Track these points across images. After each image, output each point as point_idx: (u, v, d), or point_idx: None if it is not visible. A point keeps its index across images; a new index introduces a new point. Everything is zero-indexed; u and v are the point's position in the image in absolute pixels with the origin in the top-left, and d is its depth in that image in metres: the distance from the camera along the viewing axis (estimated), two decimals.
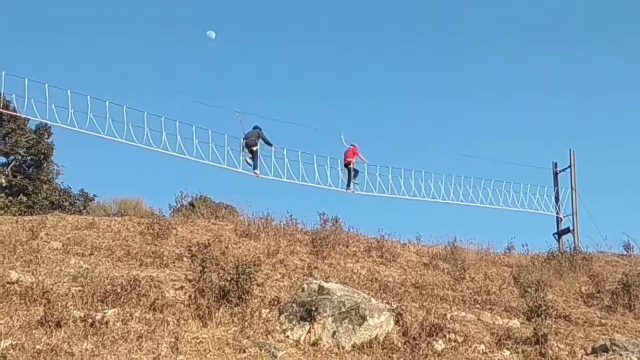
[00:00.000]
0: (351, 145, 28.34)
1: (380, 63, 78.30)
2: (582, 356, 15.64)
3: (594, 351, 15.96)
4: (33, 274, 16.95)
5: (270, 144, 26.63)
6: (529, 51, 75.01)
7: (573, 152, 34.63)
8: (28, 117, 27.45)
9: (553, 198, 34.23)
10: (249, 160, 26.37)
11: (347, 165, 28.14)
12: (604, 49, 75.90)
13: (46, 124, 33.73)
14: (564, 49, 76.40)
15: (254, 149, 26.26)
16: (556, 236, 33.84)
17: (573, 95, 75.57)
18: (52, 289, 15.67)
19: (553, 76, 74.76)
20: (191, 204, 30.59)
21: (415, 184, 29.56)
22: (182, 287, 16.88)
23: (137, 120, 24.78)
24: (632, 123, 71.70)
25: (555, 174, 34.79)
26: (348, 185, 28.21)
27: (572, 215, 33.76)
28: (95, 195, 37.69)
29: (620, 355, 15.47)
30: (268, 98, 70.46)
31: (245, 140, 26.39)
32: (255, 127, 26.70)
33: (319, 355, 14.46)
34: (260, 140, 26.39)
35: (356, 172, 28.37)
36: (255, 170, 26.42)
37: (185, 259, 19.00)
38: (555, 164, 35.02)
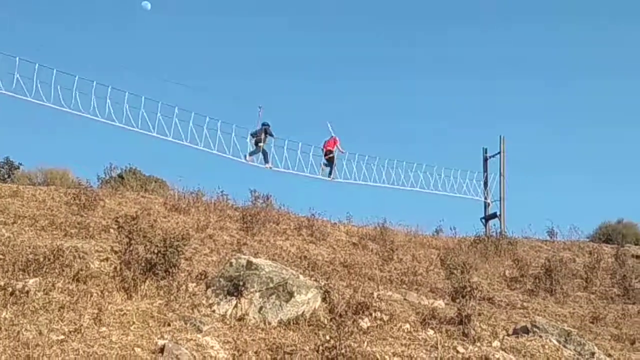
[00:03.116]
0: (332, 136, 29.16)
1: (308, 38, 78.29)
2: (503, 337, 15.94)
3: (515, 332, 16.31)
4: None
5: (272, 136, 27.89)
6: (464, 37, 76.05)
7: (503, 138, 35.26)
8: None
9: (482, 183, 34.87)
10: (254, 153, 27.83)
11: (327, 153, 29.12)
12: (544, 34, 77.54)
13: None
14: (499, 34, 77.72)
15: (260, 145, 27.59)
16: (483, 220, 34.53)
17: (505, 80, 77.02)
18: None
19: (487, 61, 76.04)
20: (120, 176, 29.98)
21: (347, 166, 29.80)
22: (107, 259, 16.54)
23: (67, 83, 24.35)
24: (561, 109, 73.64)
25: (485, 160, 35.39)
26: (330, 173, 29.36)
27: (500, 200, 34.46)
28: (20, 164, 36.59)
29: (540, 336, 15.83)
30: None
31: (254, 138, 27.70)
32: (264, 124, 27.76)
33: (245, 330, 14.35)
34: (268, 136, 27.77)
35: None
36: (267, 164, 27.89)
37: (112, 230, 18.63)
38: (485, 150, 35.65)
